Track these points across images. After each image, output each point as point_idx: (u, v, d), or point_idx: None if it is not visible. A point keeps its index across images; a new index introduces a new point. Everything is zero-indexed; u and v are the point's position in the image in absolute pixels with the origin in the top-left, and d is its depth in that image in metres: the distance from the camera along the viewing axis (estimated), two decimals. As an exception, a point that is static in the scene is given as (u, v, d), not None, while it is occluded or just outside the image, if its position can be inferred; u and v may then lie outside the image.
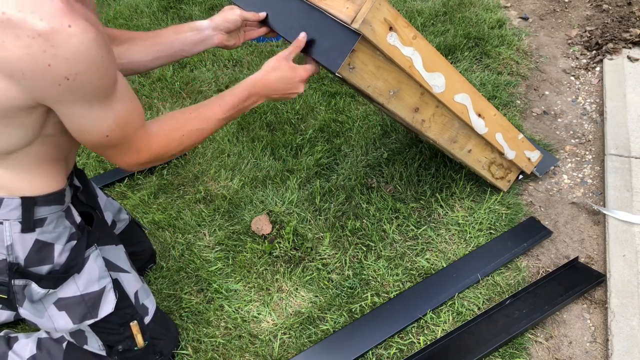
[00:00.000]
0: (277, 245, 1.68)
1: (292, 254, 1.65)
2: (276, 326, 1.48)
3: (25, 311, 1.07)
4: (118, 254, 1.24)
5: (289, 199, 1.84)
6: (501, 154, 1.66)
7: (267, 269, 1.62)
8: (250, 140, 2.12)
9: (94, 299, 1.12)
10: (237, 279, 1.60)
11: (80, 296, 1.10)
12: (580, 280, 1.52)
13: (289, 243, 1.68)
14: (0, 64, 0.74)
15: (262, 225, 1.74)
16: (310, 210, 1.79)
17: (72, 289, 1.09)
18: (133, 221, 1.49)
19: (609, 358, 1.36)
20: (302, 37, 1.18)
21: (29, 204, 0.97)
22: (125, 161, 0.98)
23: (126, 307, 1.20)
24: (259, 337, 1.46)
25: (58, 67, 0.74)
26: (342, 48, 1.12)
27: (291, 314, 1.51)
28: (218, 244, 1.71)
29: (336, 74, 1.14)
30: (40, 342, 1.28)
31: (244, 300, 1.55)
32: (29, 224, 0.98)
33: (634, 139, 1.96)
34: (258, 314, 1.52)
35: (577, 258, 1.59)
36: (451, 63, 2.41)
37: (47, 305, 1.09)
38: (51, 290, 1.06)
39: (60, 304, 1.09)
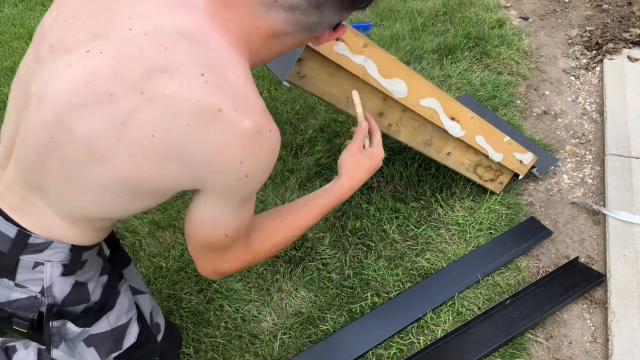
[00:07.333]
0: (277, 245, 1.68)
1: (292, 254, 1.65)
2: (276, 326, 1.48)
3: (59, 352, 1.03)
4: (133, 274, 1.21)
5: (289, 198, 1.83)
6: (486, 156, 1.66)
7: (267, 269, 1.62)
8: (250, 140, 2.11)
9: (121, 332, 1.10)
10: (237, 278, 1.60)
11: (111, 331, 1.08)
12: (580, 280, 1.52)
13: (289, 243, 1.68)
14: (193, 153, 0.72)
15: (262, 225, 1.74)
16: (310, 210, 1.79)
17: (104, 324, 1.07)
18: None
19: (609, 358, 1.36)
20: (365, 125, 1.15)
21: (77, 251, 0.95)
22: (217, 268, 0.93)
23: (144, 330, 1.18)
24: (259, 337, 1.46)
25: (247, 164, 0.74)
26: (290, 58, 1.19)
27: (291, 314, 1.51)
28: (218, 244, 1.71)
29: (284, 82, 1.19)
30: (40, 352, 1.26)
31: (244, 300, 1.55)
32: (73, 268, 0.96)
33: (634, 139, 1.96)
34: (258, 313, 1.52)
35: (577, 258, 1.59)
36: (451, 63, 2.42)
37: (77, 342, 1.05)
38: (87, 329, 1.03)
39: (90, 340, 1.06)
